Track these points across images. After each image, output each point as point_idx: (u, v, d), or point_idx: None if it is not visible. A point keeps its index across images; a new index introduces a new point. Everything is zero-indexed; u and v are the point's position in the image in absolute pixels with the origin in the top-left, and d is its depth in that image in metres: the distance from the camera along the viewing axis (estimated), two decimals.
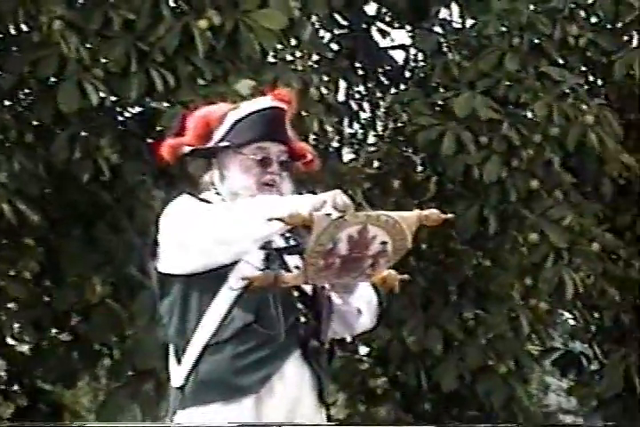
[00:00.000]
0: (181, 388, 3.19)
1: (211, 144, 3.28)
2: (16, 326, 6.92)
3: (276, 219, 2.97)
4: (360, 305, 3.31)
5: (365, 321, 3.35)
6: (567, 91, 7.58)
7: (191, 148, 3.28)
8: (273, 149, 3.28)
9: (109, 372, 7.13)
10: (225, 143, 3.26)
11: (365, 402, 8.51)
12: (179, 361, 3.22)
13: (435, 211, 3.05)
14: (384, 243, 3.00)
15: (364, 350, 8.58)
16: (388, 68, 8.38)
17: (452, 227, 7.73)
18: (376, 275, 3.10)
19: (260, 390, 3.13)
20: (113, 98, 6.42)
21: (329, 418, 3.27)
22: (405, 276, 3.17)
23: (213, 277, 3.17)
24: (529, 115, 7.58)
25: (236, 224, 3.07)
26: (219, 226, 3.09)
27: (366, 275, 3.08)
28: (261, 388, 3.13)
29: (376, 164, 8.24)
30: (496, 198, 7.50)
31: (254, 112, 3.29)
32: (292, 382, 3.18)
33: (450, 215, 3.06)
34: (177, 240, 3.17)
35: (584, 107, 7.49)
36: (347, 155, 8.43)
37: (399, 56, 8.44)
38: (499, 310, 7.77)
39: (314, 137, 7.85)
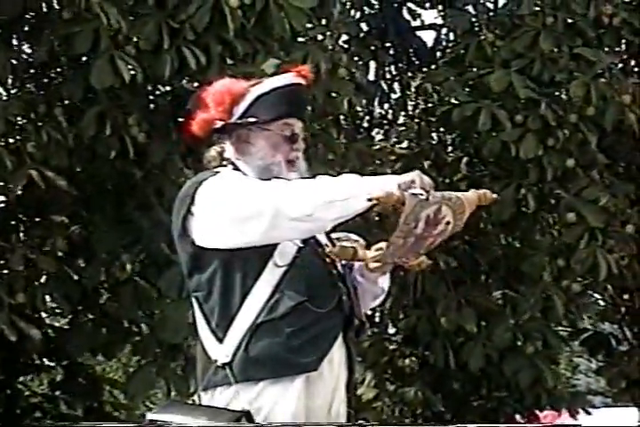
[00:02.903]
0: (227, 365, 3.07)
1: (234, 119, 3.19)
2: (48, 299, 6.77)
3: (375, 198, 2.93)
4: (384, 285, 3.29)
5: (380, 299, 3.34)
6: (602, 70, 7.32)
7: (222, 122, 3.19)
8: (297, 125, 3.23)
9: (137, 348, 6.95)
10: (252, 119, 3.18)
11: (393, 382, 8.35)
12: (217, 337, 3.10)
13: (487, 191, 3.11)
14: (448, 223, 3.04)
15: (392, 329, 8.47)
16: (419, 48, 8.15)
17: (486, 207, 7.52)
18: (420, 255, 3.14)
19: (319, 368, 3.06)
20: (144, 76, 6.21)
21: (356, 398, 3.24)
22: (430, 261, 3.24)
23: (257, 253, 3.05)
24: (563, 95, 7.37)
25: (327, 204, 2.96)
26: (300, 204, 2.97)
27: (418, 254, 3.11)
28: (319, 365, 3.07)
29: (406, 144, 8.05)
30: (533, 177, 7.25)
31: (278, 88, 3.24)
32: (337, 362, 3.14)
33: (496, 195, 3.12)
34: (233, 214, 3.03)
35: (619, 86, 7.24)
36: (377, 135, 8.23)
37: (430, 36, 8.21)
38: (530, 290, 7.59)
39: (343, 117, 7.64)
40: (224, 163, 3.20)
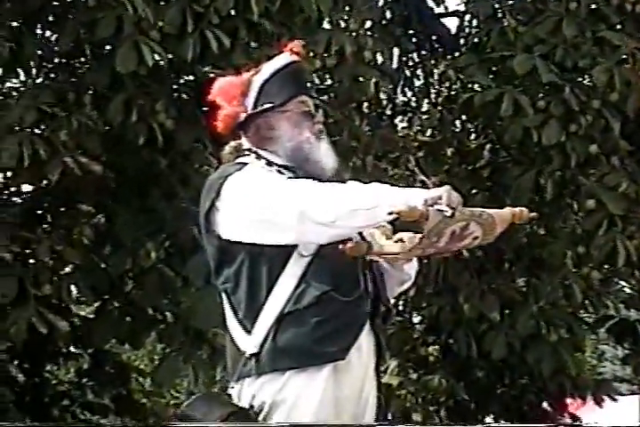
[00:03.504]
0: (255, 355, 3.07)
1: (249, 110, 3.18)
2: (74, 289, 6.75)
3: (395, 212, 2.90)
4: (411, 272, 3.26)
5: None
6: (625, 56, 7.25)
7: (245, 114, 3.18)
8: (311, 101, 3.25)
9: (163, 336, 6.92)
10: (268, 105, 3.18)
11: (417, 370, 8.31)
12: (245, 329, 3.10)
13: (525, 209, 3.09)
14: (476, 238, 3.02)
15: (415, 318, 8.42)
16: (442, 35, 8.10)
17: (508, 195, 7.47)
18: None
19: (346, 357, 3.04)
20: (169, 61, 6.17)
21: (380, 386, 3.18)
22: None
23: (283, 245, 3.03)
24: (586, 80, 7.30)
25: (351, 212, 2.94)
26: (325, 209, 2.96)
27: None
28: (346, 355, 3.04)
29: (429, 132, 7.98)
30: (556, 163, 7.19)
31: (280, 70, 3.24)
32: (365, 350, 3.10)
33: (535, 214, 3.10)
34: (259, 216, 3.02)
35: None
36: (400, 123, 8.19)
37: (453, 24, 8.15)
38: (551, 278, 7.52)
39: (367, 105, 7.59)
40: (245, 153, 3.16)
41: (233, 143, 3.21)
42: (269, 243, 3.01)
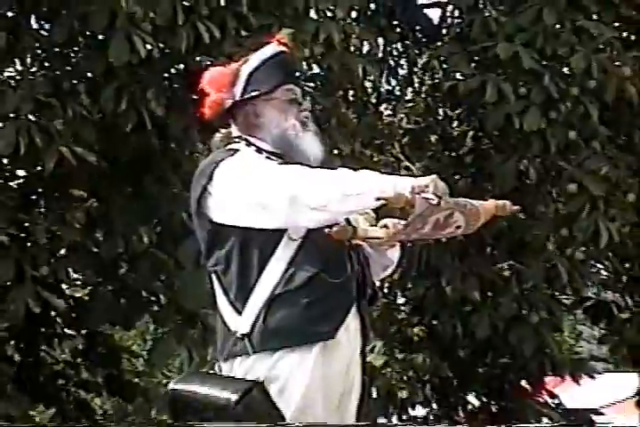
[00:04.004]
0: (246, 335, 3.11)
1: (237, 98, 3.22)
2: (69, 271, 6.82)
3: (383, 198, 2.95)
4: (394, 257, 3.28)
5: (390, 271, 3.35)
6: (603, 45, 7.35)
7: (231, 101, 3.21)
8: (296, 89, 3.28)
9: (157, 318, 6.99)
10: (255, 93, 3.21)
11: (402, 349, 8.42)
12: (236, 310, 3.13)
13: (508, 202, 3.15)
14: (459, 227, 3.06)
15: (400, 299, 8.51)
16: (425, 25, 8.16)
17: (490, 180, 7.55)
18: None
19: (336, 336, 3.08)
20: (161, 51, 6.23)
21: (365, 366, 3.21)
22: None
23: (273, 229, 3.08)
24: (565, 69, 7.42)
25: (342, 197, 2.99)
26: (317, 194, 3.01)
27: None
28: (335, 334, 3.08)
29: (413, 119, 8.05)
30: (537, 149, 7.29)
31: (267, 59, 3.28)
32: (353, 330, 3.14)
33: (517, 207, 3.16)
34: (251, 200, 3.06)
35: (620, 60, 7.26)
36: (385, 111, 8.24)
37: (435, 14, 8.22)
38: (534, 261, 7.61)
39: (352, 93, 7.64)
40: (236, 140, 3.20)
41: (223, 131, 3.22)
42: (260, 227, 3.05)
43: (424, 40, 8.18)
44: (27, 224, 6.36)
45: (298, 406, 3.04)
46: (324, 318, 3.07)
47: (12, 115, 6.04)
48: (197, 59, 6.53)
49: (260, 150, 3.18)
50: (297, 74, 3.40)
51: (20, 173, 6.72)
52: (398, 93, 8.26)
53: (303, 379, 3.06)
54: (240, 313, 3.10)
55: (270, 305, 3.07)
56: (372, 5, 8.00)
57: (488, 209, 3.07)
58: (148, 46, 6.09)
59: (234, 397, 2.99)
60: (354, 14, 7.38)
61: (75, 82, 6.25)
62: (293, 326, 3.07)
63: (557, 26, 7.31)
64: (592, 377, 8.10)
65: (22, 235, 6.39)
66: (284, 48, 3.27)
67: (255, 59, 3.26)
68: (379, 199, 2.93)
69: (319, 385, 3.07)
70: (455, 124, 7.98)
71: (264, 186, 3.03)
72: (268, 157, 3.17)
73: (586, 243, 7.49)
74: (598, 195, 7.29)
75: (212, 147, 3.28)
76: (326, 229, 3.02)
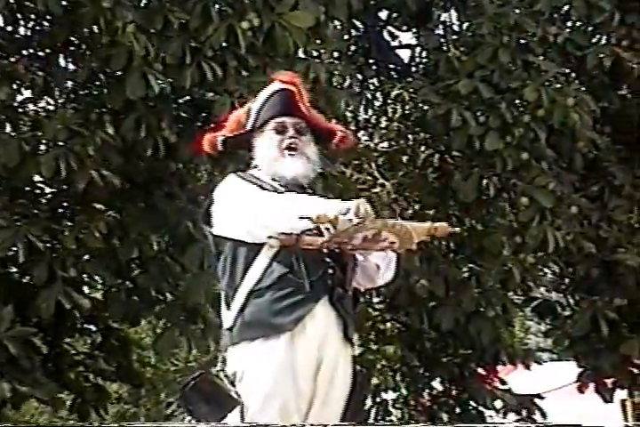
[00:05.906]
0: (231, 328, 3.38)
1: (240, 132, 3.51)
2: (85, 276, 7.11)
3: (306, 217, 3.20)
4: (378, 262, 3.51)
5: (385, 276, 3.56)
6: (550, 79, 7.75)
7: (223, 137, 3.52)
8: (289, 121, 3.46)
9: (163, 313, 7.32)
10: (248, 128, 3.48)
11: (376, 342, 8.75)
12: (228, 307, 3.41)
13: (444, 224, 3.29)
14: (393, 243, 3.25)
15: (375, 298, 8.77)
16: (397, 64, 8.53)
17: (453, 196, 7.84)
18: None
19: (294, 329, 3.31)
20: (171, 86, 6.59)
21: (353, 358, 3.45)
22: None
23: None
24: (518, 100, 7.74)
25: (276, 217, 3.28)
26: (263, 215, 3.29)
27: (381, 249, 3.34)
28: (295, 326, 3.31)
29: (387, 144, 8.37)
30: (495, 168, 7.65)
31: (268, 97, 3.49)
32: (321, 323, 3.37)
33: (457, 229, 3.35)
34: (232, 218, 3.36)
35: (564, 92, 7.63)
36: (363, 137, 8.59)
37: (406, 54, 8.59)
38: (491, 264, 7.92)
39: (335, 121, 7.94)
40: (254, 166, 3.54)
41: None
42: (239, 239, 3.35)
43: (396, 76, 8.48)
44: (57, 233, 6.59)
45: (270, 388, 3.23)
46: (286, 311, 3.29)
47: (50, 142, 6.33)
48: (202, 93, 6.89)
49: (251, 176, 3.45)
50: (298, 106, 3.45)
51: (48, 189, 7.04)
52: (374, 121, 8.55)
53: (274, 365, 3.27)
54: (229, 309, 3.39)
55: (247, 301, 3.33)
56: (352, 47, 8.35)
57: (420, 230, 3.23)
58: (160, 82, 6.45)
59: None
60: (336, 54, 7.74)
61: (100, 113, 6.58)
62: (262, 319, 3.29)
63: (510, 63, 7.69)
64: (539, 363, 8.32)
65: (54, 242, 6.60)
66: (287, 86, 3.48)
67: (260, 97, 3.53)
68: (302, 218, 3.19)
69: (288, 370, 3.26)
70: (423, 147, 8.26)
71: (238, 208, 3.34)
72: (260, 186, 3.42)
73: (536, 249, 7.79)
74: (547, 207, 7.64)
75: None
76: (272, 236, 3.26)
